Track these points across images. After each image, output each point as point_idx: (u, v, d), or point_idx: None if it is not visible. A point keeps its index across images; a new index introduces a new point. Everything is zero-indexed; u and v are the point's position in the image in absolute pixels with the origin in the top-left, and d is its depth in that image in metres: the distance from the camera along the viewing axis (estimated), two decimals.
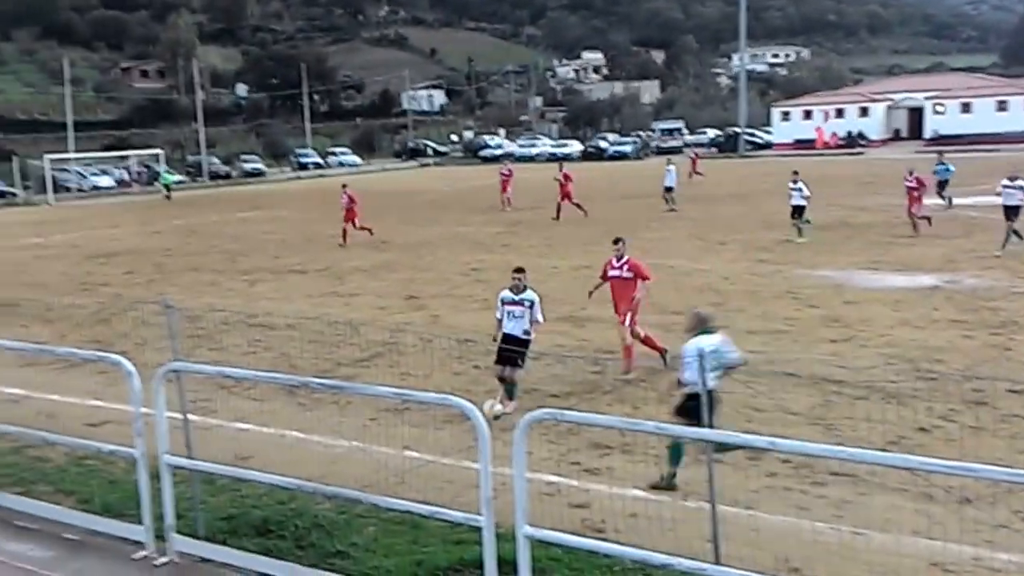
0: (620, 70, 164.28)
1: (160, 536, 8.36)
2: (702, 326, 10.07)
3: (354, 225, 32.90)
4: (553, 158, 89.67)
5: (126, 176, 75.38)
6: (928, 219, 29.09)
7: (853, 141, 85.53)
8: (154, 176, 72.65)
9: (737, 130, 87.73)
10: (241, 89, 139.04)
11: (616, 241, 15.39)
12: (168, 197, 62.01)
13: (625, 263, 15.10)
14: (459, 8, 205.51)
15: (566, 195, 38.70)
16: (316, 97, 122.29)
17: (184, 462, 8.53)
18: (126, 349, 13.95)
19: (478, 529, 7.14)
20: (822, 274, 23.10)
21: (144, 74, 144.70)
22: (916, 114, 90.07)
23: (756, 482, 9.35)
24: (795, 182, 29.08)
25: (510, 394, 12.46)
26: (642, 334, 14.72)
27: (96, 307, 20.67)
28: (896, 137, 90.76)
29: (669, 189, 40.28)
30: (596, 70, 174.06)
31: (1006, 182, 25.63)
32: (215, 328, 16.89)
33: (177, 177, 77.11)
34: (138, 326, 17.30)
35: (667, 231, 30.90)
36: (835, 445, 7.96)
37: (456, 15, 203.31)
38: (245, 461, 10.41)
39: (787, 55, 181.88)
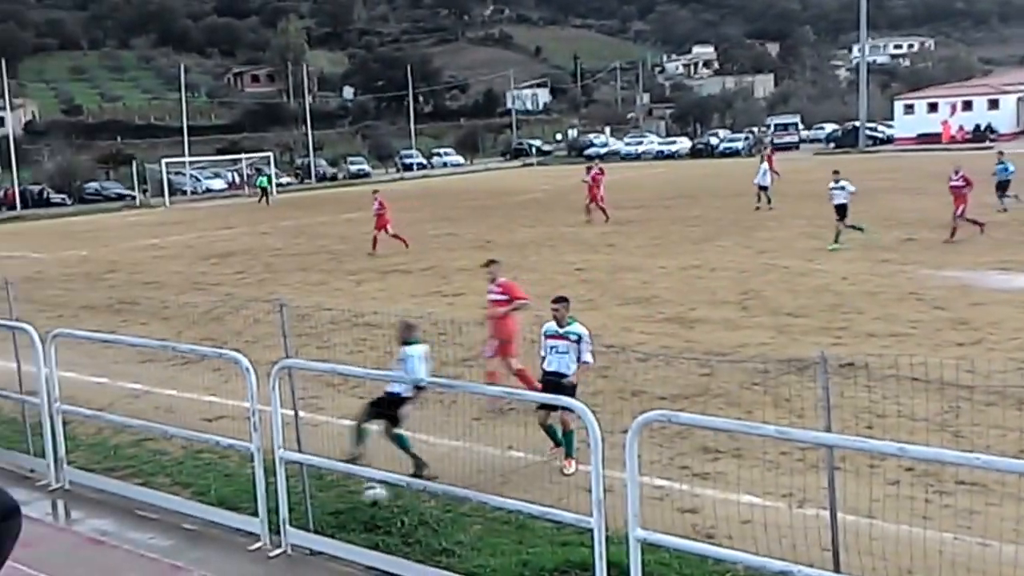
0: (732, 64, 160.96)
1: (274, 528, 8.55)
2: (408, 335, 10.29)
3: (386, 232, 31.83)
4: (660, 156, 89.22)
5: (237, 179, 76.95)
6: (980, 225, 27.28)
7: (982, 135, 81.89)
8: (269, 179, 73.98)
9: (857, 124, 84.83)
10: (348, 92, 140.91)
11: (488, 263, 14.33)
12: (263, 201, 61.66)
13: (499, 286, 13.81)
14: (565, 5, 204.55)
15: (593, 197, 37.91)
16: (421, 98, 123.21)
17: (297, 456, 8.72)
18: (238, 347, 14.28)
19: (585, 531, 7.14)
20: (948, 274, 22.26)
21: (255, 79, 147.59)
22: None
23: (877, 490, 9.11)
24: (836, 181, 28.01)
25: (565, 446, 10.77)
26: (515, 367, 13.31)
27: (209, 305, 21.18)
28: None
29: (764, 188, 39.70)
30: (707, 64, 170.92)
31: None
32: (323, 327, 17.18)
33: (285, 179, 78.53)
34: (249, 324, 17.71)
35: (780, 230, 30.36)
36: (966, 452, 7.70)
37: (562, 13, 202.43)
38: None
39: (910, 45, 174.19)
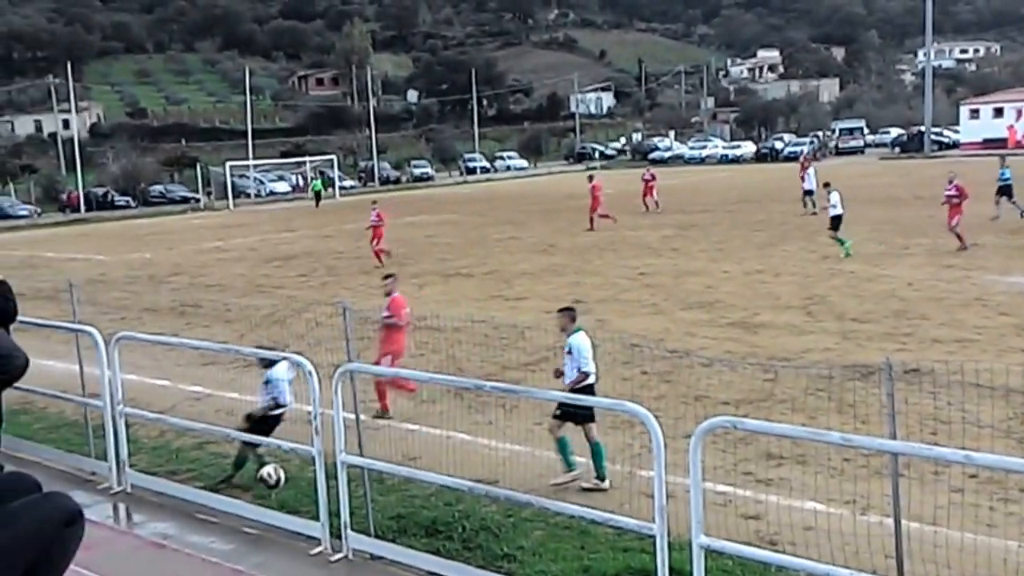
0: (797, 68, 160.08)
1: (335, 533, 8.53)
2: (267, 362, 10.65)
3: (377, 242, 30.88)
4: (724, 160, 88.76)
5: (300, 182, 77.66)
6: (962, 242, 26.53)
7: None
8: (329, 181, 74.67)
9: (922, 129, 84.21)
10: (412, 95, 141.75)
11: (385, 277, 14.91)
12: (317, 204, 61.83)
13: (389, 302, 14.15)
14: (630, 9, 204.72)
15: (593, 206, 37.70)
16: (485, 101, 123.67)
17: (359, 460, 8.68)
18: (300, 349, 14.31)
19: (646, 537, 7.03)
20: (1014, 280, 22.03)
21: (319, 82, 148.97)
22: None
23: (942, 497, 8.97)
24: (828, 195, 27.50)
25: (595, 460, 10.50)
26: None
27: (271, 308, 21.31)
28: None
29: (809, 192, 39.17)
30: (771, 68, 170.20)
31: None
32: None
33: (348, 182, 79.06)
34: (312, 327, 17.76)
35: (845, 235, 29.90)
36: None
37: (627, 16, 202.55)
38: (413, 461, 10.56)
39: (976, 50, 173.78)
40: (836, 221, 27.31)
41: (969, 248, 26.27)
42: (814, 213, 37.59)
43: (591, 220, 37.49)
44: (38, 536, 3.50)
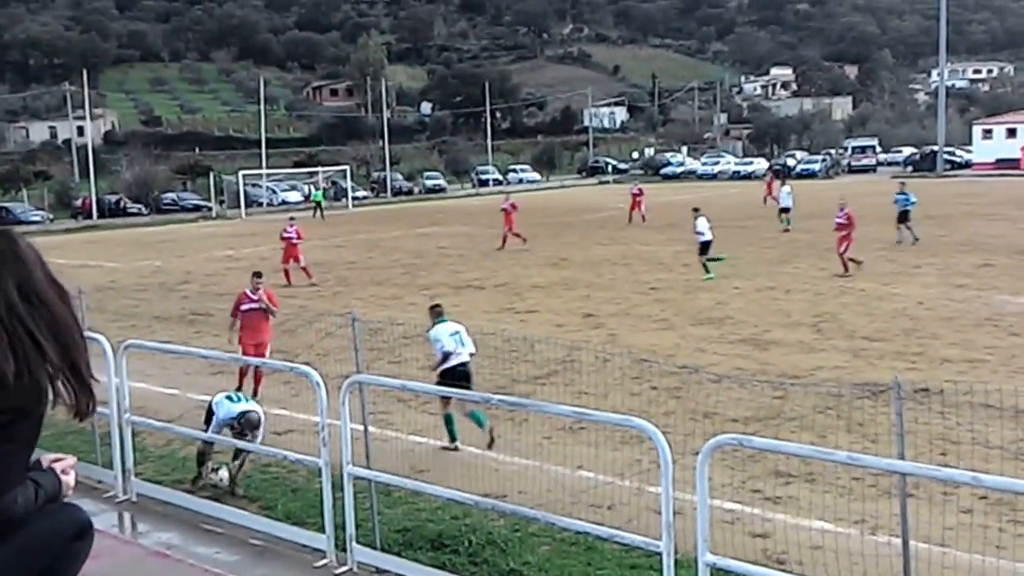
0: (810, 86, 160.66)
1: (340, 545, 8.48)
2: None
3: (294, 261, 29.98)
4: (737, 176, 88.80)
5: (313, 192, 77.73)
6: (857, 262, 26.95)
7: None
8: (342, 192, 74.70)
9: (935, 148, 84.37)
10: (426, 107, 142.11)
11: (256, 275, 16.44)
12: (318, 215, 60.56)
13: (261, 295, 15.99)
14: (644, 25, 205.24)
15: (509, 225, 37.36)
16: (498, 114, 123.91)
17: (365, 472, 8.63)
18: (309, 360, 14.29)
19: (654, 554, 6.98)
20: None
21: (334, 93, 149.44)
22: None
23: (951, 518, 8.91)
24: (695, 220, 27.74)
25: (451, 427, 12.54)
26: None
27: (282, 318, 21.29)
28: None
29: (785, 210, 40.20)
30: (784, 86, 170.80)
31: None
32: (395, 341, 17.15)
33: (361, 193, 79.15)
34: (322, 338, 17.74)
35: (857, 253, 29.90)
36: None
37: (641, 32, 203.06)
38: (421, 474, 10.52)
39: (990, 70, 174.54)
40: (704, 247, 27.58)
41: (852, 275, 26.31)
42: (787, 230, 38.77)
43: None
44: (45, 549, 3.45)
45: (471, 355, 12.87)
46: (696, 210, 28.45)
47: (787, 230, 38.99)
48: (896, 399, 6.79)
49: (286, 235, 30.54)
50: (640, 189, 48.13)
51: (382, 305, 24.46)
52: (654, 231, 39.65)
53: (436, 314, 13.22)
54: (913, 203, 33.80)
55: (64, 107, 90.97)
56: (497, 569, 8.32)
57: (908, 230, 33.32)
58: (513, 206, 37.57)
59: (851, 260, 27.04)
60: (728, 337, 19.19)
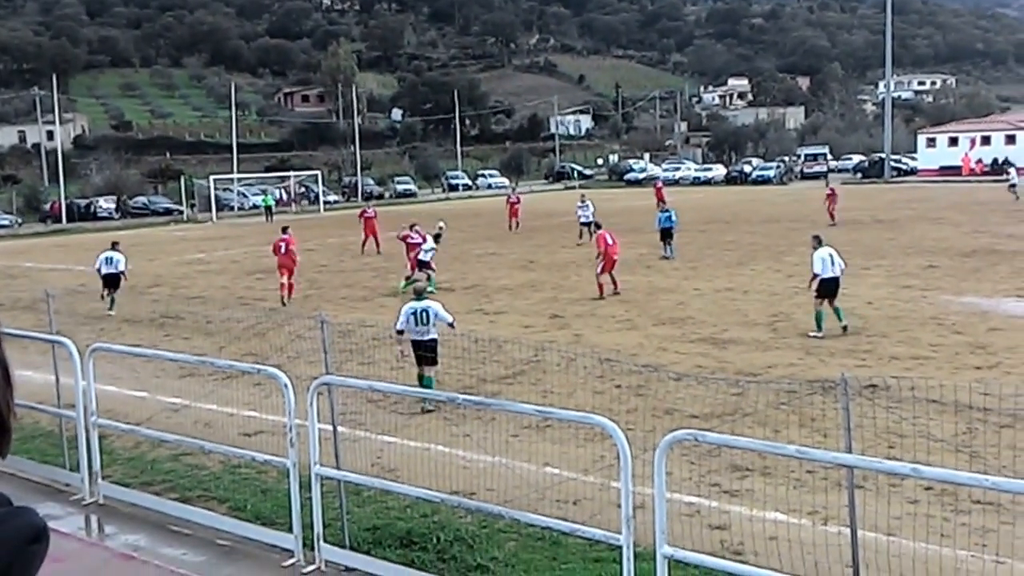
0: (765, 96, 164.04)
1: (308, 544, 8.57)
2: None
3: (283, 275, 26.51)
4: (697, 182, 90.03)
5: (284, 196, 77.59)
6: (615, 284, 25.23)
7: (1000, 168, 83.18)
8: (313, 196, 74.67)
9: (882, 156, 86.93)
10: (396, 114, 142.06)
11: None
12: (268, 219, 60.15)
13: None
14: (607, 36, 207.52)
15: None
16: (467, 121, 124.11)
17: (333, 472, 8.74)
18: (280, 362, 14.39)
19: (616, 547, 7.15)
20: (967, 301, 22.55)
21: (305, 99, 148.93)
22: None
23: (897, 508, 9.16)
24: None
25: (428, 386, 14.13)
26: None
27: (253, 320, 21.33)
28: None
29: (586, 224, 37.01)
30: (741, 96, 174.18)
31: None
32: (366, 343, 17.27)
33: (332, 197, 79.03)
34: (293, 340, 17.83)
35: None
36: (979, 473, 7.78)
37: (604, 43, 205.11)
38: (391, 473, 10.63)
39: (933, 83, 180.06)
40: (422, 264, 27.14)
41: (606, 298, 24.78)
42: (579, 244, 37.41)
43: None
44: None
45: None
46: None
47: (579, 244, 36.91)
48: (843, 395, 7.02)
49: (280, 241, 27.30)
50: (518, 197, 48.88)
51: (353, 308, 24.53)
52: (620, 234, 39.71)
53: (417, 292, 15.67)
54: (675, 223, 33.12)
55: (34, 112, 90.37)
56: (465, 565, 8.45)
57: (668, 247, 32.85)
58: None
59: (601, 285, 25.18)
60: (689, 336, 19.55)
